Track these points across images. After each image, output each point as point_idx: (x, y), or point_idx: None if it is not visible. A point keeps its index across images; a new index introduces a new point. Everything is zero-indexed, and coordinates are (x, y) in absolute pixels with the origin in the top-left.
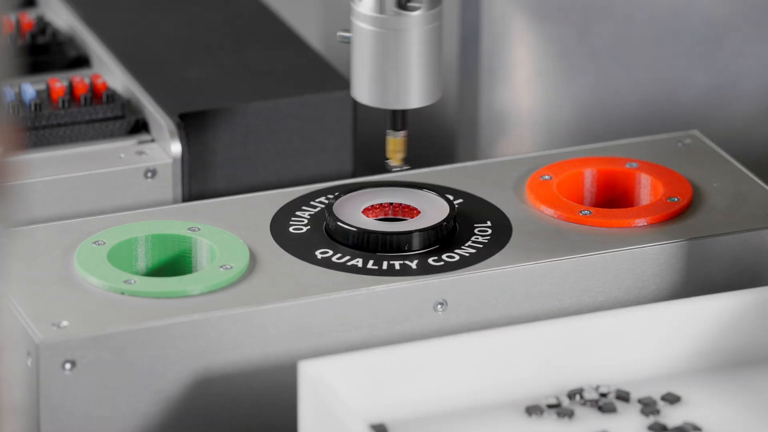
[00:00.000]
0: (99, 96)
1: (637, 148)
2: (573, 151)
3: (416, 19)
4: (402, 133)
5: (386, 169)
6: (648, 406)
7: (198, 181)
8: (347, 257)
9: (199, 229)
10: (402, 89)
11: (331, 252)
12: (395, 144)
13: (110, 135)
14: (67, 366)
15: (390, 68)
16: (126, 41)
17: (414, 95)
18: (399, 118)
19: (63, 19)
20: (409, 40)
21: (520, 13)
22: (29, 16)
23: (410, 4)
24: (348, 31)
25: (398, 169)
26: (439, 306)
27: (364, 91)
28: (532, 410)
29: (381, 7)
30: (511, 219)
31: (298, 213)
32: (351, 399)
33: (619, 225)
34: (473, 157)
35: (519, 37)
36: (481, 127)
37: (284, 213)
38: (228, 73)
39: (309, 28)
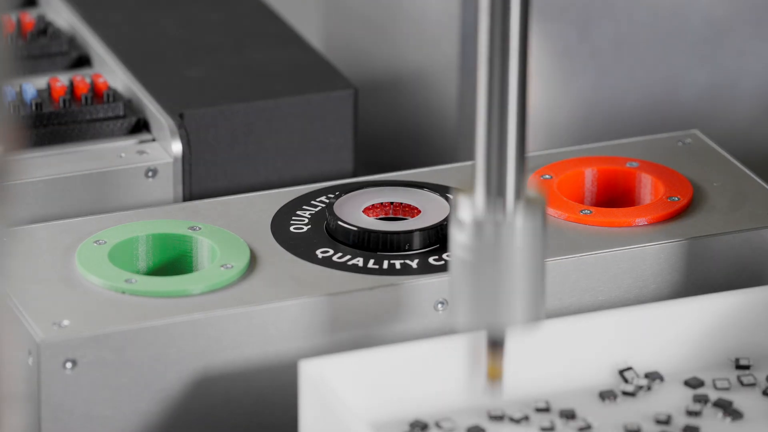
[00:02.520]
0: (100, 95)
1: (637, 147)
2: (573, 151)
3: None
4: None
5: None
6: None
7: (199, 181)
8: (348, 256)
9: (199, 229)
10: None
11: (331, 251)
12: (494, 370)
13: (111, 134)
14: (68, 365)
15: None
16: (127, 41)
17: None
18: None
19: (64, 18)
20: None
21: None
22: (30, 16)
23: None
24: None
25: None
26: (439, 306)
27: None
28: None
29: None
30: None
31: (298, 212)
32: (351, 399)
33: (620, 224)
34: (473, 157)
35: None
36: None
37: (285, 212)
38: (229, 72)
39: (309, 28)
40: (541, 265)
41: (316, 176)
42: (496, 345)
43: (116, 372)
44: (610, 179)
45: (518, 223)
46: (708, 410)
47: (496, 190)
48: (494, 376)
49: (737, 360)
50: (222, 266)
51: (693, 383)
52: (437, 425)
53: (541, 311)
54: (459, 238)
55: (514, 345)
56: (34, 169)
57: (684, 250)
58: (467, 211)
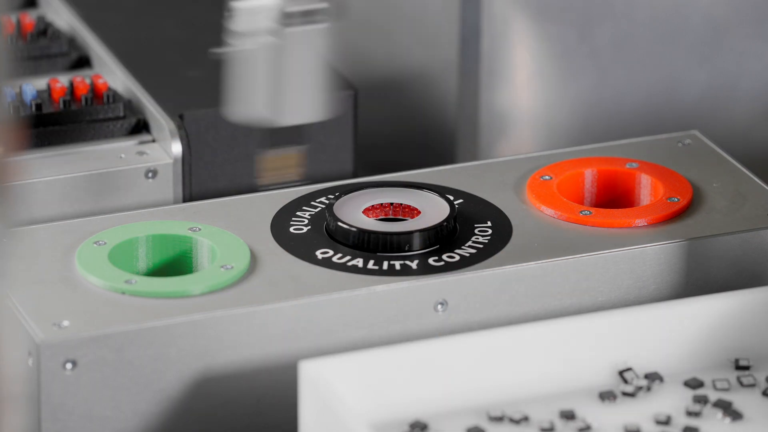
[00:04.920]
0: (100, 96)
1: (637, 148)
2: (573, 151)
3: (295, 34)
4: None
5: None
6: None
7: (198, 181)
8: (348, 257)
9: (199, 229)
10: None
11: (331, 252)
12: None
13: (111, 135)
14: (68, 366)
15: (272, 83)
16: (127, 41)
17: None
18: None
19: (64, 19)
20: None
21: (520, 13)
22: (30, 17)
23: (288, 21)
24: (223, 48)
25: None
26: (439, 306)
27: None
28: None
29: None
30: (511, 219)
31: (298, 213)
32: (351, 399)
33: (619, 225)
34: (473, 157)
35: (519, 37)
36: (481, 127)
37: (285, 213)
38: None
39: None
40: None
41: (316, 177)
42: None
43: (116, 372)
44: (610, 180)
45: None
46: (708, 411)
47: None
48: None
49: (737, 360)
50: (222, 267)
51: (693, 384)
52: (437, 425)
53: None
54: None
55: (514, 346)
56: (34, 170)
57: (684, 251)
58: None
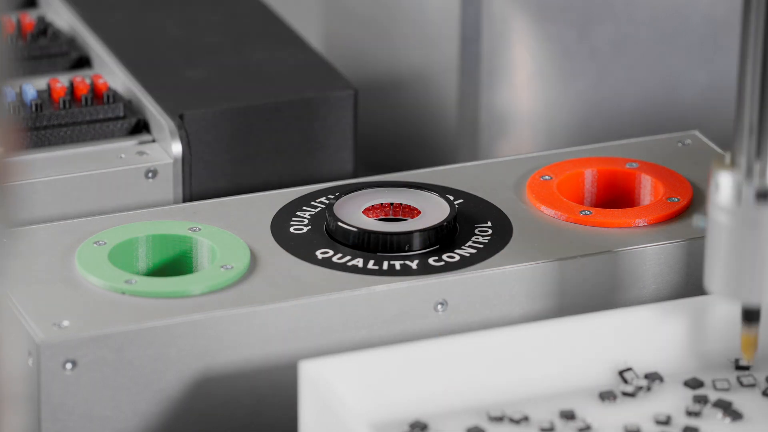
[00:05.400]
0: (100, 96)
1: (637, 148)
2: (573, 151)
3: None
4: (754, 329)
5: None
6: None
7: (198, 182)
8: (348, 257)
9: (199, 229)
10: (757, 282)
11: (331, 252)
12: (748, 341)
13: (111, 135)
14: (68, 365)
15: (747, 261)
16: (127, 42)
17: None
18: (751, 313)
19: (64, 19)
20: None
21: (520, 13)
22: (30, 17)
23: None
24: (705, 217)
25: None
26: (439, 306)
27: (720, 280)
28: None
29: (739, 199)
30: (511, 219)
31: (298, 213)
32: (351, 399)
33: (619, 225)
34: (473, 157)
35: (519, 37)
36: (481, 127)
37: (285, 213)
38: (229, 73)
39: (309, 28)
40: None
41: (316, 177)
42: (750, 317)
43: (116, 372)
44: (610, 180)
45: None
46: (708, 411)
47: (755, 154)
48: (748, 347)
49: (737, 360)
50: (222, 267)
51: (693, 384)
52: (437, 425)
53: None
54: (719, 201)
55: (514, 346)
56: (35, 170)
57: (684, 251)
58: (728, 176)
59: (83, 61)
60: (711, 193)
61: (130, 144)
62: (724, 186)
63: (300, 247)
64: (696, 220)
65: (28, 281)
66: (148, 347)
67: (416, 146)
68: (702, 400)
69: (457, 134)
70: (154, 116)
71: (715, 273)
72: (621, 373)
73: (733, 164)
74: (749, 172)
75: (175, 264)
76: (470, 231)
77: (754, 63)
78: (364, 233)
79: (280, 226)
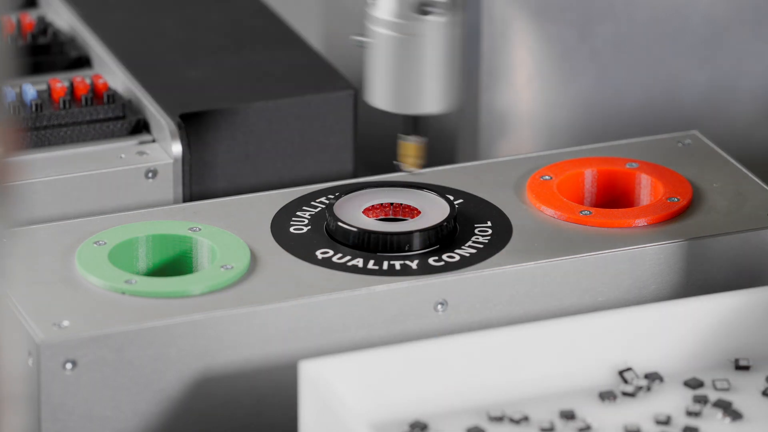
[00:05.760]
0: (100, 96)
1: (637, 148)
2: (573, 151)
3: (437, 24)
4: (413, 138)
5: (395, 169)
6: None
7: (199, 182)
8: (348, 257)
9: (199, 229)
10: (415, 94)
11: (331, 252)
12: (406, 148)
13: (111, 135)
14: (68, 366)
15: (408, 73)
16: (127, 42)
17: (428, 101)
18: (410, 123)
19: (64, 19)
20: (426, 46)
21: (520, 14)
22: (30, 17)
23: (428, 9)
24: (363, 35)
25: (407, 171)
26: (439, 306)
27: (378, 94)
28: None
29: (399, 12)
30: (511, 219)
31: (298, 213)
32: (351, 399)
33: (619, 225)
34: (473, 157)
35: (519, 38)
36: (481, 127)
37: (285, 213)
38: (228, 73)
39: (309, 28)
40: (458, 51)
41: (316, 177)
42: (413, 128)
43: (116, 372)
44: (610, 180)
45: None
46: (708, 411)
47: None
48: (407, 155)
49: (737, 361)
50: (222, 267)
51: (693, 384)
52: (437, 425)
53: (454, 98)
54: (377, 14)
55: (514, 346)
56: (35, 170)
57: (684, 251)
58: None
59: (83, 61)
60: (368, 7)
61: (130, 144)
62: (384, 0)
63: (300, 247)
64: (355, 37)
65: (28, 281)
66: (148, 347)
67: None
68: (702, 400)
69: (457, 134)
70: (154, 116)
71: (377, 87)
72: (621, 373)
73: None
74: None
75: (175, 264)
76: (470, 231)
77: None
78: (364, 233)
79: (280, 226)
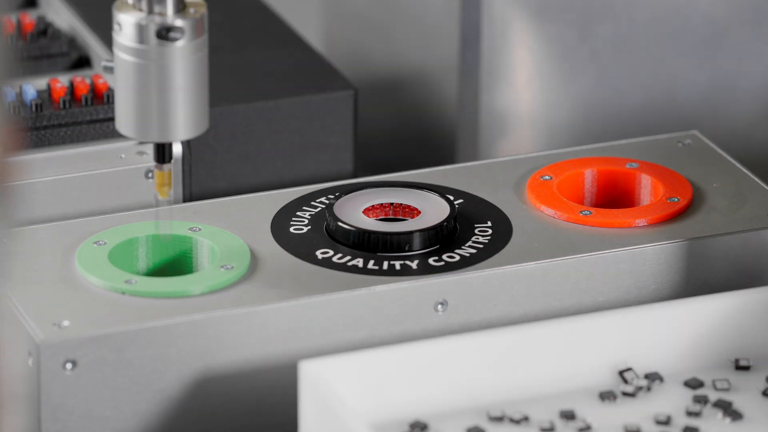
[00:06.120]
0: (100, 96)
1: (637, 148)
2: (573, 151)
3: (178, 50)
4: (168, 166)
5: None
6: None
7: (199, 182)
8: (348, 257)
9: (199, 229)
10: (160, 122)
11: (331, 252)
12: (161, 177)
13: (111, 135)
14: (68, 366)
15: (153, 101)
16: None
17: (178, 128)
18: (163, 152)
19: (64, 19)
20: (168, 72)
21: (520, 14)
22: (30, 17)
23: (171, 35)
24: (111, 60)
25: (165, 202)
26: (439, 306)
27: (123, 122)
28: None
29: (141, 38)
30: (511, 219)
31: (298, 213)
32: (351, 399)
33: (619, 225)
34: (473, 157)
35: (519, 38)
36: (481, 127)
37: (285, 213)
38: (228, 73)
39: (309, 28)
40: (203, 77)
41: (316, 177)
42: (161, 157)
43: (116, 372)
44: (610, 180)
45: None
46: (708, 411)
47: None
48: (161, 185)
49: (737, 360)
50: (222, 267)
51: (693, 384)
52: (437, 425)
53: (204, 121)
54: (122, 41)
55: (514, 346)
56: (35, 170)
57: (684, 251)
58: (130, 16)
59: (83, 61)
60: (114, 34)
61: (130, 144)
62: (126, 25)
63: (300, 247)
64: (103, 63)
65: (28, 281)
66: (148, 347)
67: (416, 146)
68: (702, 400)
69: (457, 134)
70: None
71: (125, 116)
72: (621, 373)
73: (135, 4)
74: (150, 10)
75: (175, 264)
76: (470, 231)
77: None
78: (364, 233)
79: (280, 226)
